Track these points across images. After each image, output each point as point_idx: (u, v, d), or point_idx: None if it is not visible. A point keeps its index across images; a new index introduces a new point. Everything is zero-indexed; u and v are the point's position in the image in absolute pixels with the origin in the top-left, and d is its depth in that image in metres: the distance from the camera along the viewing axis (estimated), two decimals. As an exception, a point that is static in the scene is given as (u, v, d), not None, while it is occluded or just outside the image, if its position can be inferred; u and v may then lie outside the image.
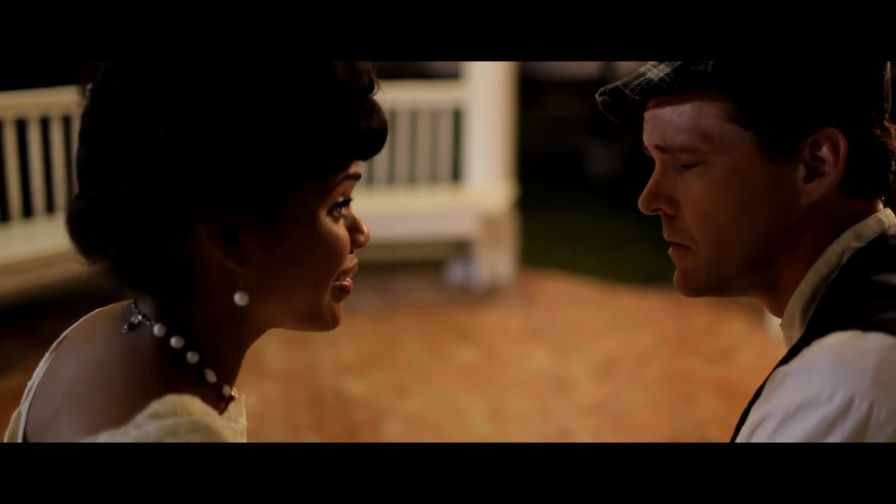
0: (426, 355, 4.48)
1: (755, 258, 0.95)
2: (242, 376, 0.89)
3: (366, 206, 3.23)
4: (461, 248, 5.54)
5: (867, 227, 0.94)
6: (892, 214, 0.97)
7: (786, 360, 0.87)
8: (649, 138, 0.98)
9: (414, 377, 4.20)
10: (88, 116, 0.80)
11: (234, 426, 0.85)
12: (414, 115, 5.38)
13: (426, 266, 5.69)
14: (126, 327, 0.82)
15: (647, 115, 0.98)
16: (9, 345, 4.41)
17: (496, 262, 5.51)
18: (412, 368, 4.31)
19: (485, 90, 5.44)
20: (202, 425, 0.73)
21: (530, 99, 13.27)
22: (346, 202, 0.84)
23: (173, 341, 0.80)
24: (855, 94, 0.91)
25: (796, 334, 0.94)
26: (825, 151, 0.91)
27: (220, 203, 0.77)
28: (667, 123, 0.95)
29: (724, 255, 0.95)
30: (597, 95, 1.00)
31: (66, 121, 4.63)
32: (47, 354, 0.90)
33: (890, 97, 0.94)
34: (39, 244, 4.24)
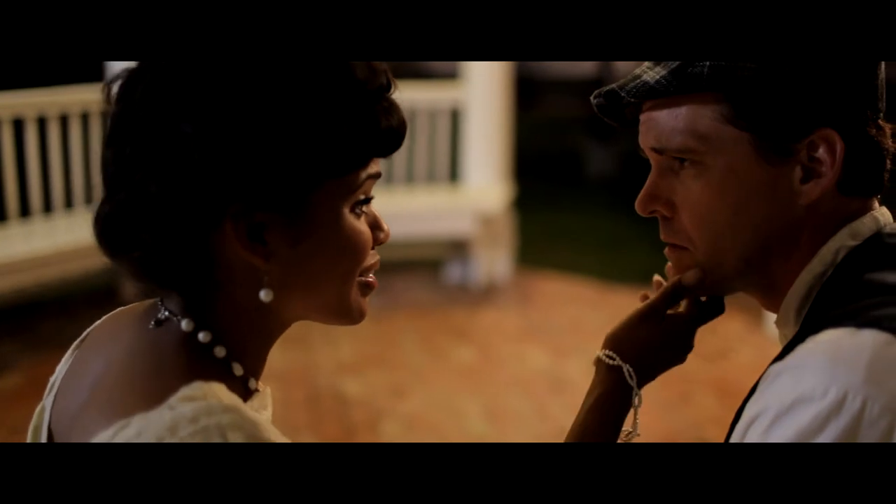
0: (424, 355, 4.48)
1: (752, 258, 0.95)
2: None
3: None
4: (459, 248, 5.54)
5: (862, 226, 0.94)
6: (888, 213, 0.97)
7: (780, 356, 0.88)
8: (645, 140, 0.98)
9: (411, 377, 4.20)
10: (114, 121, 0.81)
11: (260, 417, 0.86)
12: (412, 115, 5.37)
13: (424, 266, 5.69)
14: (153, 323, 0.83)
15: (643, 117, 0.98)
16: (6, 345, 4.40)
17: (494, 261, 5.51)
18: (410, 368, 4.31)
19: (483, 90, 5.44)
20: (233, 407, 0.75)
21: (528, 99, 13.27)
22: (368, 200, 0.87)
23: (201, 336, 0.82)
24: (850, 95, 0.91)
25: (791, 332, 0.95)
26: (822, 152, 0.91)
27: (246, 201, 0.78)
28: (663, 126, 0.95)
29: (721, 256, 0.96)
30: (592, 98, 1.00)
31: (64, 120, 4.63)
32: (70, 350, 0.91)
33: (884, 96, 0.95)
34: (36, 244, 4.24)
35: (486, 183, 5.56)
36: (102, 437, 0.75)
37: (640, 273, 5.73)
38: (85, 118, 4.72)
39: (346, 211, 0.83)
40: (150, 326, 0.83)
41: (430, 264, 5.71)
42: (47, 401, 0.89)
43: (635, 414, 1.07)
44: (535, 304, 5.32)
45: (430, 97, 5.49)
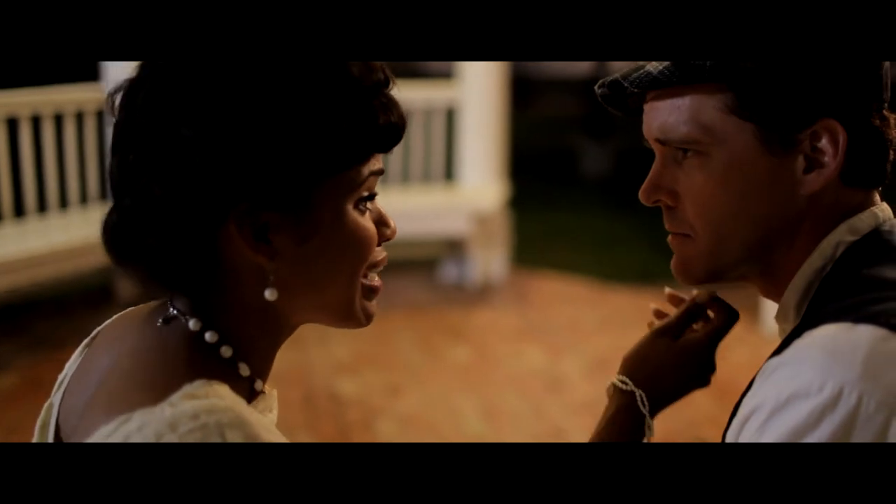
0: (420, 355, 4.48)
1: (754, 248, 0.96)
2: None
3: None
4: (454, 248, 5.54)
5: (861, 221, 0.94)
6: (888, 209, 0.97)
7: (777, 351, 0.88)
8: (649, 131, 0.98)
9: (407, 376, 4.20)
10: (118, 129, 0.83)
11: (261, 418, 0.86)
12: (407, 114, 5.37)
13: (419, 265, 5.69)
14: (161, 321, 0.84)
15: (647, 107, 0.98)
16: (1, 345, 4.39)
17: (489, 261, 5.51)
18: (405, 368, 4.31)
19: (478, 89, 5.44)
20: (234, 407, 0.76)
21: (524, 98, 13.29)
22: (371, 196, 0.87)
23: (208, 336, 0.83)
24: (853, 86, 0.91)
25: (790, 327, 0.95)
26: (824, 143, 0.91)
27: (249, 201, 0.79)
28: (666, 116, 0.95)
29: (724, 245, 0.96)
30: (596, 87, 1.01)
31: (58, 119, 4.62)
32: (80, 348, 0.92)
33: (889, 86, 0.94)
34: (31, 243, 4.22)
35: (481, 182, 5.56)
36: (104, 430, 0.76)
37: (637, 271, 5.74)
38: (80, 117, 4.72)
39: (350, 207, 0.84)
40: (158, 324, 0.84)
41: (425, 263, 5.71)
42: (55, 398, 0.89)
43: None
44: (531, 303, 5.32)
45: (425, 96, 5.49)
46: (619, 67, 1.00)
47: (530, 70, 15.19)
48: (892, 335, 0.81)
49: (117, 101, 0.83)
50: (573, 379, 4.12)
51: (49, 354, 4.14)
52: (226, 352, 0.83)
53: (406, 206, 5.17)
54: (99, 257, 4.41)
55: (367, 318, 0.89)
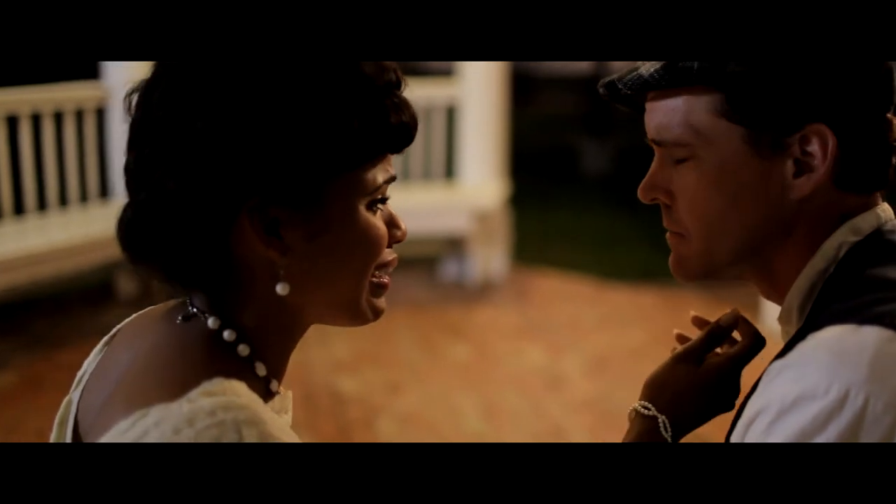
0: (420, 353, 4.48)
1: (745, 249, 0.96)
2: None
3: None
4: (455, 245, 5.54)
5: (864, 222, 0.94)
6: (889, 209, 0.97)
7: (782, 353, 0.87)
8: (648, 131, 0.99)
9: (407, 375, 4.20)
10: (134, 126, 0.84)
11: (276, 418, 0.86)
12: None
13: (420, 263, 5.69)
14: (180, 318, 0.85)
15: (647, 107, 0.99)
16: (0, 343, 4.39)
17: (490, 258, 5.51)
18: (406, 366, 4.31)
19: (478, 87, 5.44)
20: (251, 405, 0.76)
21: (524, 96, 13.28)
22: (384, 200, 0.88)
23: (226, 334, 0.84)
24: (844, 90, 0.91)
25: (794, 329, 0.95)
26: (814, 147, 0.91)
27: (261, 196, 0.80)
28: (662, 117, 0.96)
29: (715, 246, 0.97)
30: (599, 87, 1.03)
31: (58, 117, 4.62)
32: (100, 346, 0.93)
33: (893, 90, 0.94)
34: (30, 241, 4.22)
35: (481, 180, 5.56)
36: (122, 425, 0.77)
37: (637, 270, 5.74)
38: (79, 115, 4.71)
39: (362, 207, 0.85)
40: (178, 321, 0.85)
41: (425, 261, 5.71)
42: (74, 394, 0.90)
43: None
44: (532, 301, 5.32)
45: (425, 94, 5.48)
46: (618, 66, 1.00)
47: (531, 68, 15.19)
48: None
49: (134, 101, 0.84)
50: (573, 377, 4.12)
51: (48, 353, 4.12)
52: (243, 350, 0.84)
53: (406, 203, 5.15)
54: (99, 255, 4.44)
55: (376, 315, 0.90)
